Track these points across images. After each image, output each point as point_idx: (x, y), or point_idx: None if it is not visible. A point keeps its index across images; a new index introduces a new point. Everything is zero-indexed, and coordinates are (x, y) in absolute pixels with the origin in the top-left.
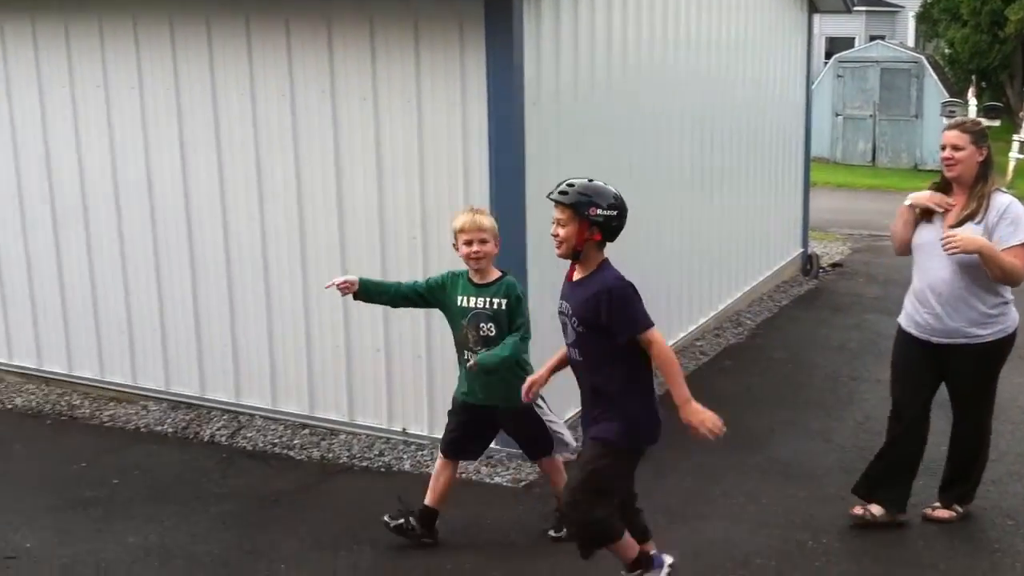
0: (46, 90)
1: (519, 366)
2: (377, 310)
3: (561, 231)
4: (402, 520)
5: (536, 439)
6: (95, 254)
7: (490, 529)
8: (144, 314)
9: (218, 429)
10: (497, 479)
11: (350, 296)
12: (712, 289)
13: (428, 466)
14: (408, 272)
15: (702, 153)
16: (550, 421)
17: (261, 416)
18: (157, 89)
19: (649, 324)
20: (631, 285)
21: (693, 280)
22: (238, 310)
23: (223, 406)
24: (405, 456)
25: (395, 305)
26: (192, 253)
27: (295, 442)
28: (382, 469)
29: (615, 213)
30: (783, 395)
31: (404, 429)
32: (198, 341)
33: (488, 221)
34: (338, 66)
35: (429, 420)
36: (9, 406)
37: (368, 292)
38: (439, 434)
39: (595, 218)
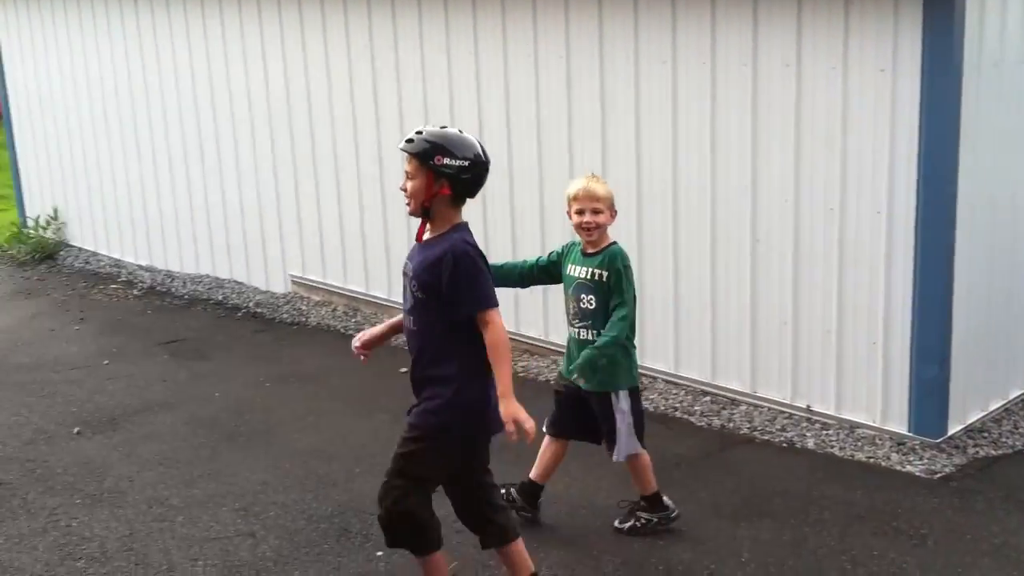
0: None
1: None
2: (787, 281)
3: (409, 184)
4: (631, 521)
5: (609, 432)
6: (547, 214)
7: (901, 518)
8: None
9: None
10: (909, 467)
11: (758, 266)
12: None
13: (832, 446)
14: (822, 243)
15: None
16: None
17: (664, 379)
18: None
19: (492, 304)
20: (480, 255)
21: None
22: (646, 273)
23: None
24: (808, 434)
25: (524, 285)
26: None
27: (696, 408)
28: (784, 445)
29: (467, 165)
30: None
31: (808, 406)
32: None
33: (603, 189)
34: (761, 30)
35: (836, 399)
36: None
37: (494, 277)
38: (846, 414)
39: (441, 168)
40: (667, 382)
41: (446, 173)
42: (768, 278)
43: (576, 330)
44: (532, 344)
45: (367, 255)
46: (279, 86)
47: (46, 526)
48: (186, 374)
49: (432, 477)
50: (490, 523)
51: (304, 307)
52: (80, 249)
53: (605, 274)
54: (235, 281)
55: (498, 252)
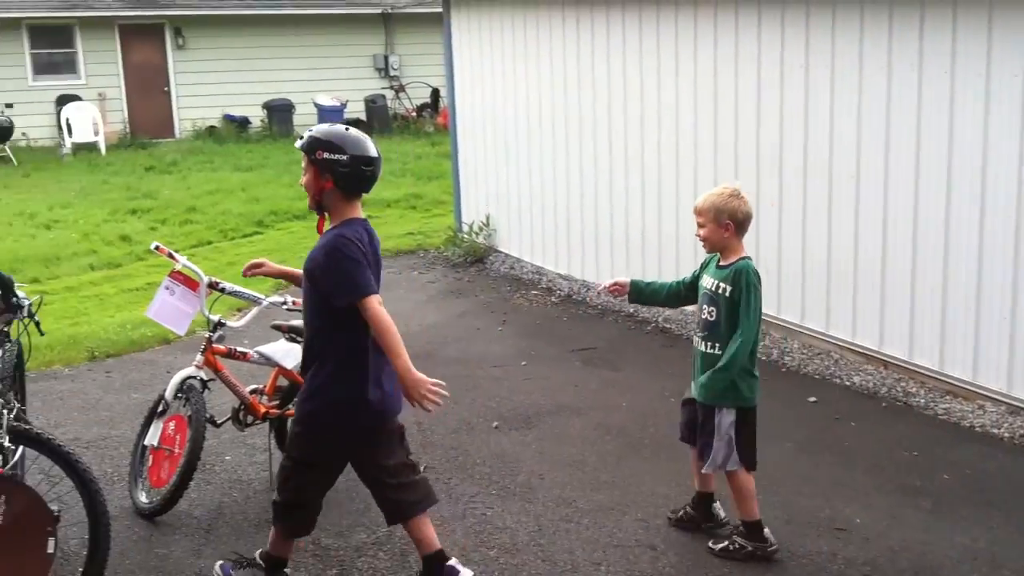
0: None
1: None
2: None
3: (302, 179)
4: (725, 542)
5: (704, 446)
6: (954, 240)
7: None
8: (992, 312)
9: None
10: None
11: None
12: None
13: None
14: None
15: None
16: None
17: None
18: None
19: (365, 292)
20: (357, 247)
21: None
22: None
23: None
24: None
25: (673, 305)
26: None
27: None
28: None
29: (344, 159)
30: None
31: None
32: None
33: (704, 204)
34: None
35: None
36: (847, 383)
37: (641, 293)
38: None
39: (322, 161)
40: None
41: (327, 167)
42: None
43: (698, 340)
44: (956, 386)
45: (781, 278)
46: (687, 90)
47: (464, 512)
48: (596, 381)
49: (316, 462)
50: (387, 501)
51: None
52: (506, 255)
53: (730, 288)
54: None
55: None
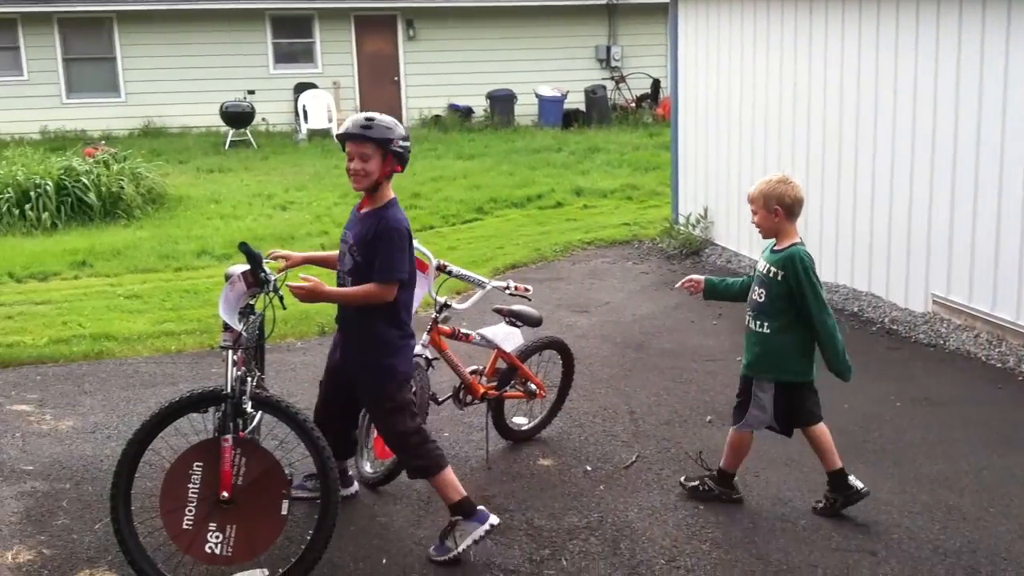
0: None
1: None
2: None
3: (363, 165)
4: (697, 482)
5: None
6: None
7: None
8: None
9: None
10: None
11: None
12: None
13: None
14: None
15: None
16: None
17: None
18: None
19: (391, 279)
20: (408, 232)
21: None
22: None
23: None
24: None
25: (745, 299)
26: None
27: None
28: None
29: (408, 144)
30: None
31: None
32: None
33: (754, 192)
34: None
35: None
36: None
37: (714, 289)
38: None
39: (397, 150)
40: None
41: (399, 153)
42: None
43: (749, 319)
44: None
45: (1022, 283)
46: (948, 85)
47: (676, 503)
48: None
49: (414, 409)
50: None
51: (943, 329)
52: (723, 248)
53: (782, 273)
54: (873, 295)
55: None
